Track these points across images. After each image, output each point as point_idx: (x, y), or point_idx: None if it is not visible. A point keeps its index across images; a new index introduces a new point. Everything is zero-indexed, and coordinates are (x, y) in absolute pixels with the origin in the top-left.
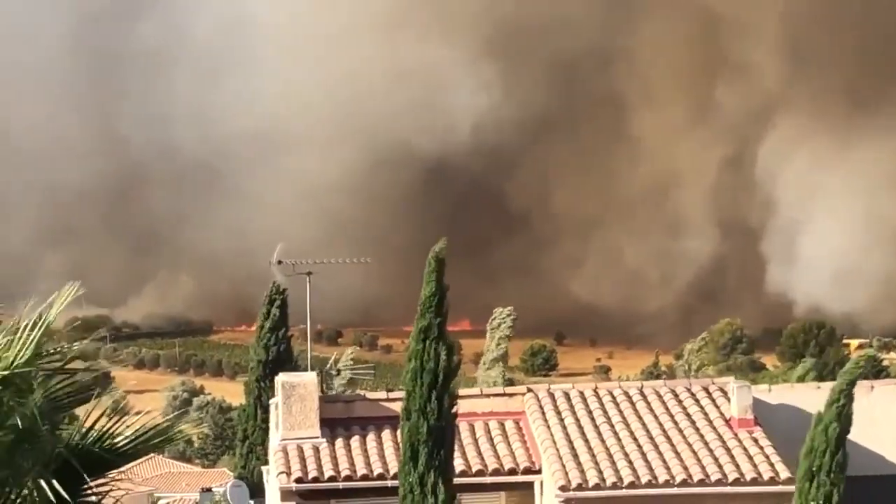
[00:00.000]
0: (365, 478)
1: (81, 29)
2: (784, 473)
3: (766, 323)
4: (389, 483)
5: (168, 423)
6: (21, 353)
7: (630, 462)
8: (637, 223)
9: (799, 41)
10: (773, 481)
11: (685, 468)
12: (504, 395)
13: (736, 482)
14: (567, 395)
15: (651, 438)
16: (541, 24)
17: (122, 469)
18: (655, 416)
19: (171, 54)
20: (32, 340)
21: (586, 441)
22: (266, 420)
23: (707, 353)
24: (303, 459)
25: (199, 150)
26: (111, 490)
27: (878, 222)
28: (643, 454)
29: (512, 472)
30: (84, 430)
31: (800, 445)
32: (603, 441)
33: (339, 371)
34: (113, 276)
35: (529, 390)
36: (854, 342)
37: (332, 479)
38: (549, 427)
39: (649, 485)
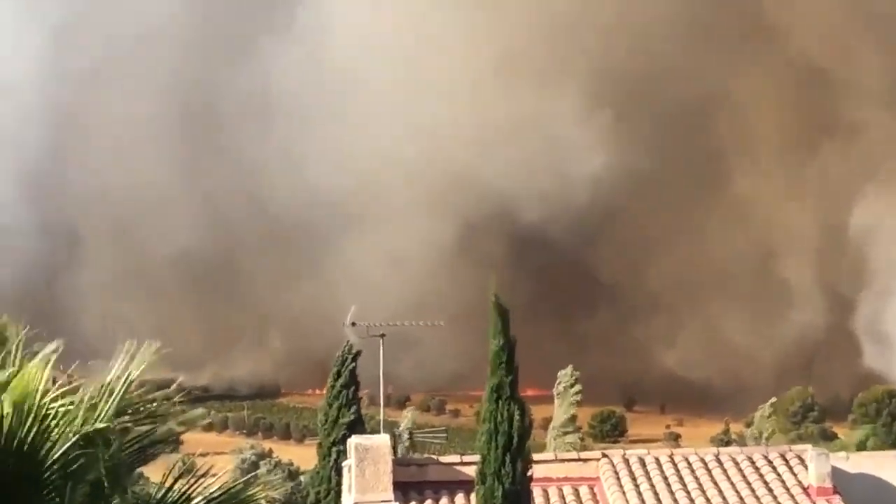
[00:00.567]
0: None
1: (173, 81)
2: None
3: (840, 391)
4: None
5: (243, 485)
6: (104, 412)
7: None
8: (733, 291)
9: None
10: None
11: None
12: (578, 460)
13: None
14: (642, 461)
15: None
16: (645, 74)
17: None
18: (732, 484)
19: (264, 107)
20: (115, 399)
21: None
22: (339, 483)
23: (777, 420)
24: None
25: (287, 209)
26: None
27: None
28: None
29: None
30: (162, 491)
31: None
32: None
33: (411, 435)
34: (190, 336)
35: (604, 455)
36: None
37: None
38: (624, 493)
39: None
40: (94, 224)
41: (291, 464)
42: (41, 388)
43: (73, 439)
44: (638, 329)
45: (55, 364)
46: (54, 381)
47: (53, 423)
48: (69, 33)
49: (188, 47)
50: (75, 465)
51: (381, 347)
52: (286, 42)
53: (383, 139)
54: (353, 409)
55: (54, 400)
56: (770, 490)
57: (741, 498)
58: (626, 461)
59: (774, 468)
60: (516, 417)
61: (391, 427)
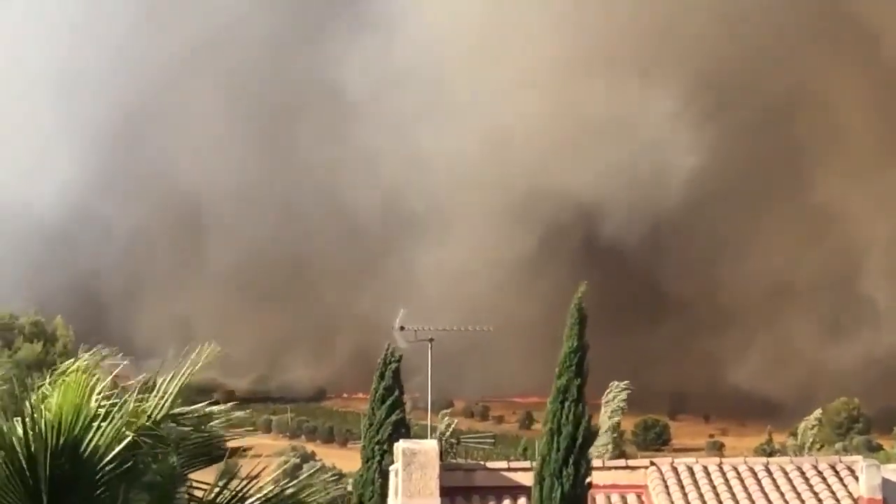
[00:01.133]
0: None
1: (249, 78)
2: None
3: (885, 402)
4: None
5: (300, 486)
6: (158, 409)
7: None
8: (813, 305)
9: None
10: None
11: None
12: (627, 467)
13: None
14: (690, 470)
15: None
16: (737, 72)
17: None
18: (781, 494)
19: (340, 105)
20: (169, 400)
21: None
22: (383, 486)
23: (822, 431)
24: None
25: (359, 210)
26: None
27: None
28: None
29: None
30: (214, 492)
31: None
32: None
33: (458, 440)
34: (246, 338)
35: (652, 463)
36: None
37: None
38: (672, 502)
39: None
40: (163, 221)
41: (334, 467)
42: (93, 387)
43: (128, 440)
44: (703, 342)
45: (112, 364)
46: (114, 384)
47: (107, 423)
48: (146, 30)
49: (264, 44)
50: (130, 466)
51: (430, 352)
52: (363, 38)
53: (461, 140)
54: (396, 412)
55: (107, 398)
56: (820, 501)
57: None
58: (675, 469)
59: (824, 479)
60: (583, 421)
61: (433, 432)
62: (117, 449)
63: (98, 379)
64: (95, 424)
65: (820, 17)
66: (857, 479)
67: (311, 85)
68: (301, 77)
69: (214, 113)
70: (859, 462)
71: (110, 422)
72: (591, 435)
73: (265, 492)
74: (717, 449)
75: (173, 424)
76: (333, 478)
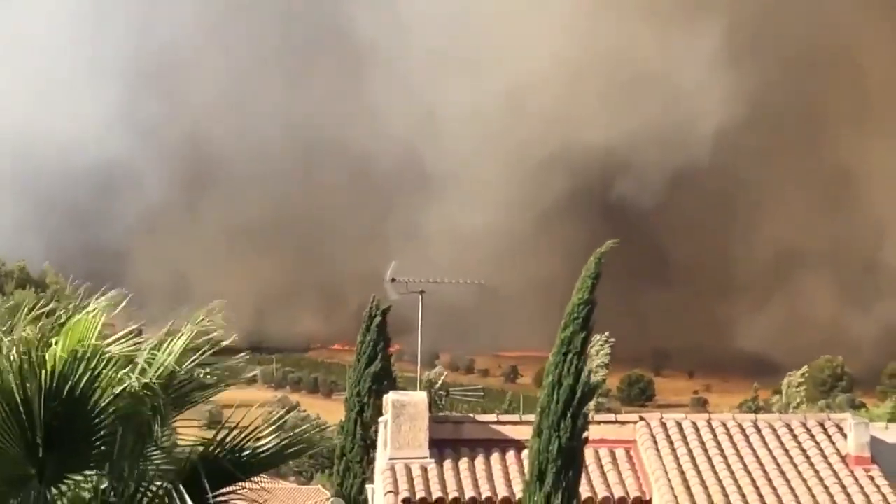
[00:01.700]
0: (473, 500)
1: (273, 30)
2: None
3: (871, 361)
4: None
5: (306, 431)
6: (160, 367)
7: (743, 496)
8: (830, 272)
9: None
10: None
11: None
12: (615, 422)
13: None
14: (679, 425)
15: (765, 472)
16: (771, 21)
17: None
18: (770, 450)
19: (356, 57)
20: (172, 356)
21: (699, 472)
22: (364, 437)
23: (806, 389)
24: (411, 479)
25: (371, 164)
26: (240, 499)
27: None
28: (757, 488)
29: (622, 501)
30: (217, 441)
31: None
32: (716, 473)
33: (447, 393)
34: (248, 288)
35: (641, 419)
36: None
37: (439, 500)
38: (661, 457)
39: None
40: (177, 171)
41: (318, 417)
42: (96, 334)
43: (126, 386)
44: (709, 302)
45: (117, 313)
46: (127, 335)
47: (106, 370)
48: None
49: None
50: (126, 413)
51: (421, 304)
52: None
53: (481, 91)
54: (375, 362)
55: (110, 346)
56: (808, 458)
57: (778, 465)
58: (664, 425)
59: (812, 436)
60: (583, 373)
61: (418, 384)
62: (115, 394)
63: (99, 326)
64: (94, 370)
65: None
66: (845, 436)
67: (327, 36)
68: (318, 29)
69: (232, 67)
70: (848, 420)
71: (111, 369)
72: (591, 389)
73: (262, 443)
74: (702, 405)
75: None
76: (323, 429)
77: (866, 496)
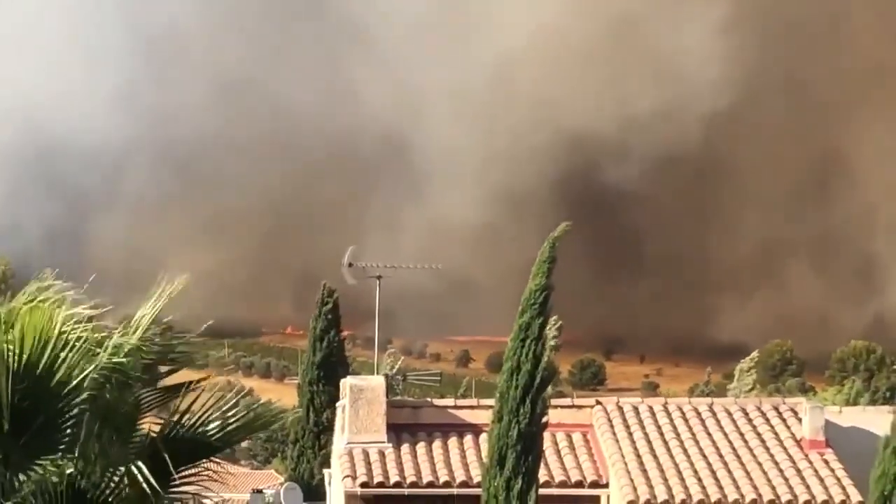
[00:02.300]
0: (431, 485)
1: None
2: (855, 497)
3: (819, 346)
4: (455, 491)
5: (264, 406)
6: (125, 347)
7: (699, 479)
8: (816, 261)
9: None
10: None
11: (755, 487)
12: (572, 406)
13: None
14: (636, 409)
15: (721, 456)
16: None
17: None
18: (725, 434)
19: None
20: (136, 334)
21: (655, 457)
22: (318, 423)
23: (757, 373)
24: (368, 464)
25: (347, 143)
26: (203, 479)
27: None
28: (713, 472)
29: (579, 484)
30: (175, 419)
31: (871, 468)
32: (672, 457)
33: (404, 377)
34: (210, 273)
35: (598, 403)
36: None
37: (397, 484)
38: (617, 441)
39: (718, 503)
40: (152, 151)
41: (271, 402)
42: (59, 318)
43: (91, 369)
44: (692, 293)
45: (79, 296)
46: (90, 319)
47: (72, 354)
48: None
49: None
50: (93, 396)
51: (378, 289)
52: None
53: (461, 72)
54: (326, 346)
55: (74, 331)
56: (763, 442)
57: (734, 448)
58: (620, 409)
59: (768, 420)
60: (542, 359)
61: (372, 369)
62: (80, 377)
63: (62, 310)
64: (59, 354)
65: None
66: (799, 420)
67: (306, 9)
68: (297, 2)
69: (211, 45)
70: (802, 404)
71: (74, 351)
72: (550, 374)
73: (219, 422)
74: (653, 389)
75: (144, 360)
76: (282, 411)
77: (821, 479)
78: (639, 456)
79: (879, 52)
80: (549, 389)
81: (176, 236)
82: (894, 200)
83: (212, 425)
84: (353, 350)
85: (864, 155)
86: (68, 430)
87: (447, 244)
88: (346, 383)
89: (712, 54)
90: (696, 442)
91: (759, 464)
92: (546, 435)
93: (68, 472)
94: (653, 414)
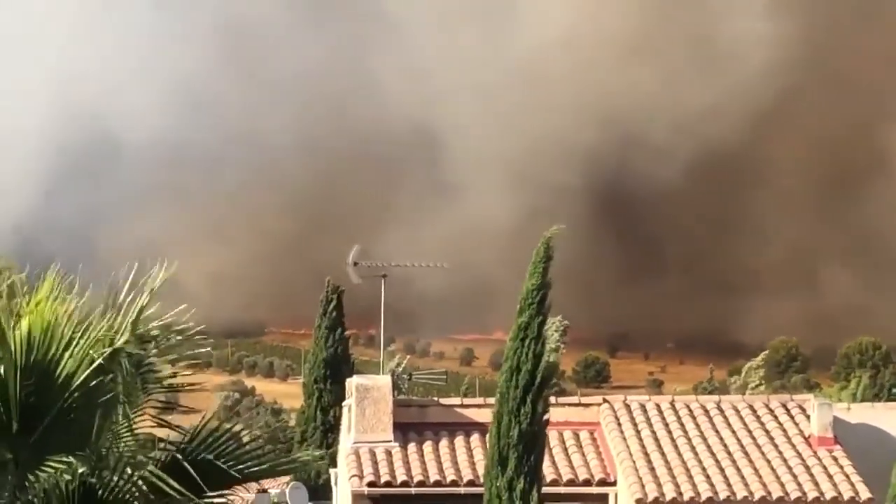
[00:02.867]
0: (438, 484)
1: None
2: (865, 493)
3: (823, 341)
4: (462, 490)
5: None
6: (122, 331)
7: (708, 477)
8: (853, 261)
9: None
10: (853, 501)
11: (764, 485)
12: (580, 405)
13: (816, 501)
14: (643, 407)
15: (729, 454)
16: None
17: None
18: (733, 432)
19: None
20: (131, 318)
21: (663, 454)
22: (325, 422)
23: (764, 370)
24: (375, 463)
25: (371, 138)
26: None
27: None
28: (721, 469)
29: (587, 482)
30: (193, 435)
31: (879, 465)
32: (680, 455)
33: (410, 376)
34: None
35: (605, 401)
36: None
37: (404, 483)
38: (625, 439)
39: (727, 501)
40: (168, 139)
41: (275, 402)
42: (63, 313)
43: (96, 363)
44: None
45: (84, 291)
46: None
47: (76, 346)
48: None
49: None
50: (98, 390)
51: (383, 288)
52: None
53: (489, 63)
54: (332, 345)
55: (80, 324)
56: (771, 439)
57: (742, 446)
58: (628, 407)
59: (776, 417)
60: (542, 358)
61: (375, 367)
62: (86, 372)
63: (66, 306)
64: (65, 348)
65: None
66: (807, 417)
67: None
68: None
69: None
70: (811, 401)
71: (79, 345)
72: (550, 374)
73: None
74: (657, 387)
75: (139, 351)
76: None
77: (830, 476)
78: (647, 454)
79: None
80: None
81: (190, 233)
82: None
83: (232, 456)
84: (355, 349)
85: None
86: (76, 428)
87: (472, 243)
88: (353, 383)
89: (753, 50)
90: (704, 439)
91: (768, 461)
92: (553, 433)
93: (80, 470)
94: (660, 411)
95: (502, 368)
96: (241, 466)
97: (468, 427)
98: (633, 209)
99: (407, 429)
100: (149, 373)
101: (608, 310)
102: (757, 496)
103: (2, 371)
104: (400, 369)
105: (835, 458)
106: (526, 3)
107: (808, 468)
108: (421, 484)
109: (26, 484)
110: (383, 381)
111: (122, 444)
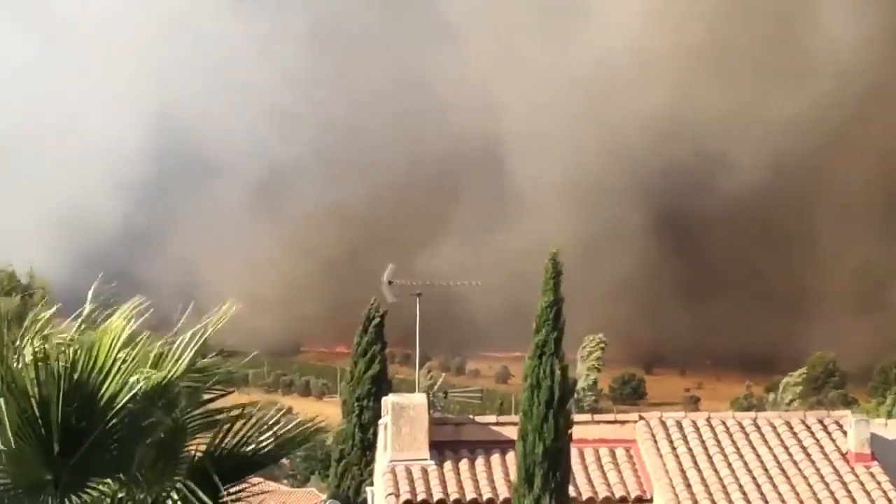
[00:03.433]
0: (474, 502)
1: None
2: None
3: (862, 358)
4: None
5: (306, 423)
6: (175, 368)
7: (745, 494)
8: None
9: None
10: None
11: (801, 501)
12: (615, 422)
13: None
14: (679, 424)
15: (766, 470)
16: None
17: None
18: (770, 448)
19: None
20: (187, 356)
21: (699, 471)
22: (363, 440)
23: (801, 387)
24: (411, 481)
25: (434, 155)
26: (248, 495)
27: None
28: (758, 486)
29: (623, 500)
30: (221, 436)
31: None
32: (716, 471)
33: (445, 394)
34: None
35: (641, 418)
36: None
37: (441, 501)
38: (661, 456)
39: None
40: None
41: (315, 418)
42: (119, 340)
43: (137, 389)
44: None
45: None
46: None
47: (120, 373)
48: None
49: None
50: (138, 416)
51: (418, 306)
52: None
53: (554, 78)
54: (376, 364)
55: (123, 348)
56: (808, 455)
57: (779, 462)
58: (664, 424)
59: (812, 433)
60: (558, 374)
61: (410, 386)
62: (127, 398)
63: (122, 332)
64: (110, 373)
65: None
66: (844, 433)
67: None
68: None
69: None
70: (848, 417)
71: (124, 372)
72: (569, 389)
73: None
74: (693, 403)
75: (191, 381)
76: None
77: (867, 493)
78: (683, 470)
79: None
80: (572, 403)
81: (240, 253)
82: None
83: (255, 443)
84: (391, 367)
85: None
86: (115, 450)
87: (527, 260)
88: (389, 401)
89: (828, 63)
90: (741, 456)
91: (805, 477)
92: (589, 451)
93: (119, 496)
94: (696, 428)
95: (523, 386)
96: (263, 451)
97: (504, 444)
98: (695, 225)
99: (443, 447)
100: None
101: (646, 326)
102: None
103: (45, 392)
104: (435, 387)
105: (872, 475)
106: (595, 12)
107: (845, 484)
108: (457, 502)
109: None
110: (419, 399)
111: (161, 466)
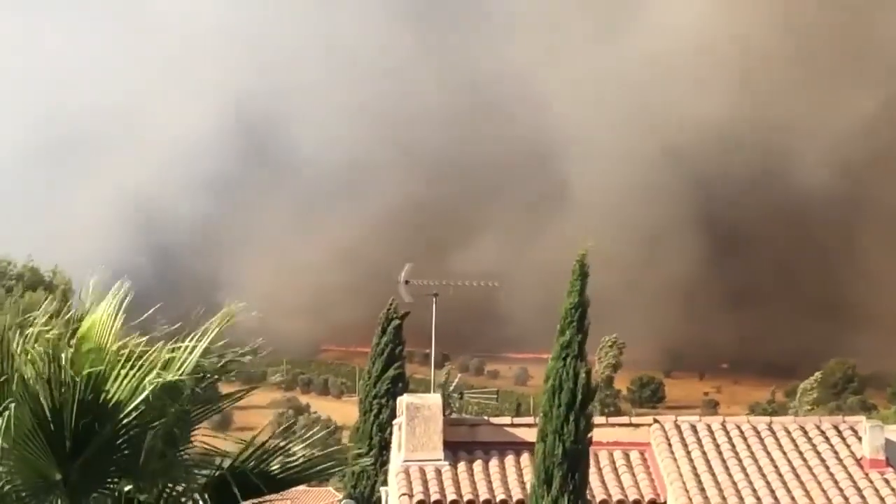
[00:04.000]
0: (487, 502)
1: None
2: None
3: (881, 363)
4: None
5: (333, 452)
6: (183, 365)
7: (759, 498)
8: None
9: None
10: None
11: None
12: (630, 425)
13: None
14: (694, 428)
15: (780, 475)
16: None
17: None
18: (784, 453)
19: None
20: (194, 355)
21: (713, 475)
22: (381, 439)
23: (818, 392)
24: (425, 482)
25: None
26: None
27: None
28: (772, 491)
29: (637, 503)
30: (246, 453)
31: None
32: (730, 475)
33: (461, 395)
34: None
35: (656, 421)
36: None
37: (454, 502)
38: (675, 459)
39: None
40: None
41: (330, 419)
42: (113, 332)
43: (149, 391)
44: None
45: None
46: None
47: (132, 374)
48: None
49: None
50: (147, 415)
51: (434, 306)
52: None
53: (597, 74)
54: (396, 365)
55: (125, 346)
56: (823, 460)
57: (793, 467)
58: (678, 427)
59: (827, 439)
60: (581, 376)
61: (427, 385)
62: (139, 399)
63: (115, 324)
64: (122, 375)
65: None
66: (859, 439)
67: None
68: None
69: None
70: (862, 423)
71: (135, 373)
72: (591, 391)
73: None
74: (712, 407)
75: (198, 376)
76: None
77: (882, 499)
78: (697, 474)
79: None
80: (595, 406)
81: (283, 254)
82: None
83: (281, 464)
84: (409, 367)
85: None
86: (128, 451)
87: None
88: (403, 401)
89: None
90: (755, 460)
91: (819, 483)
92: (603, 453)
93: (126, 488)
94: (711, 432)
95: (545, 387)
96: (287, 472)
97: (518, 446)
98: (742, 231)
99: (457, 447)
100: (206, 396)
101: (666, 329)
102: None
103: (55, 393)
104: (451, 388)
105: (886, 481)
106: (655, 7)
107: (859, 490)
108: (471, 503)
109: None
110: (434, 399)
111: (176, 469)
